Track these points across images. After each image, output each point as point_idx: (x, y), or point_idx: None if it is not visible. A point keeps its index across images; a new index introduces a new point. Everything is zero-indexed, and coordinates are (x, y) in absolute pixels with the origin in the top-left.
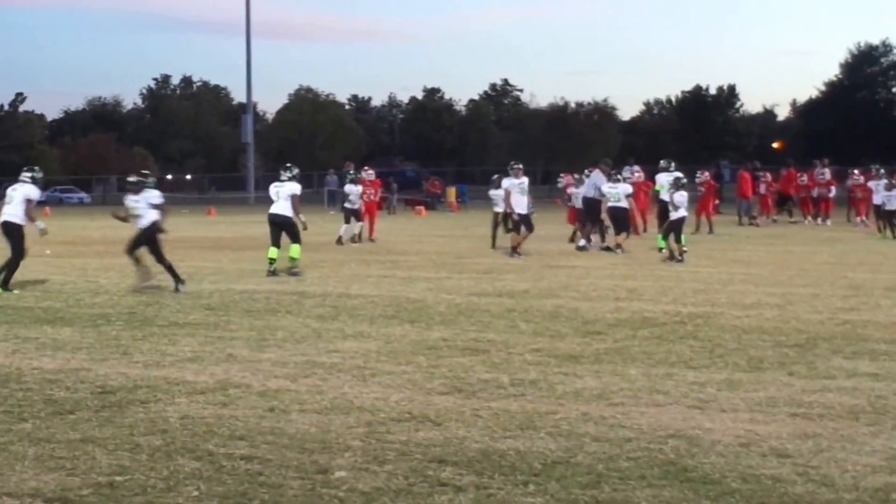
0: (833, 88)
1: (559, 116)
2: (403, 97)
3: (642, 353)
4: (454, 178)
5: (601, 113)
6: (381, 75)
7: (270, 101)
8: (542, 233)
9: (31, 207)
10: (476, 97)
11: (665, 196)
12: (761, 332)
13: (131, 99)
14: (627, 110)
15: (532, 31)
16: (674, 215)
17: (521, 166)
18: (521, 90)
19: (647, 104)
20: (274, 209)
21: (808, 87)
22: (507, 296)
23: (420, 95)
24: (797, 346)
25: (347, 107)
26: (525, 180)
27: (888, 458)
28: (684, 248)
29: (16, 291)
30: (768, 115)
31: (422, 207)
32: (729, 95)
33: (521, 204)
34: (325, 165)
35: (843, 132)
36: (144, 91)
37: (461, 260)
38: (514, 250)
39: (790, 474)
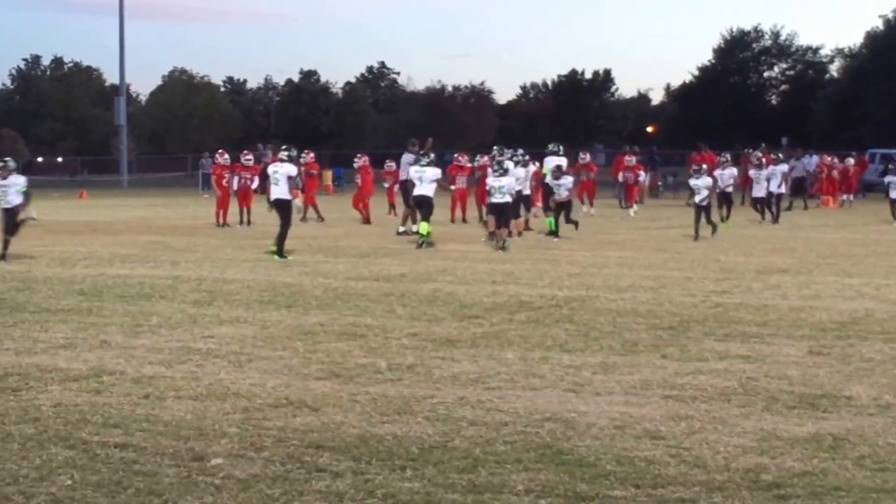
0: (706, 73)
1: (436, 100)
2: (279, 80)
3: (519, 337)
4: (330, 161)
5: (478, 96)
6: (257, 57)
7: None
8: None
9: None
10: (353, 80)
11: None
12: (636, 315)
13: (0, 80)
14: (504, 94)
15: (409, 14)
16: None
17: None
18: (397, 73)
19: (523, 88)
20: (275, 194)
21: (683, 71)
22: (384, 280)
23: (296, 78)
24: (671, 328)
25: (223, 89)
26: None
27: (759, 440)
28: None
29: None
30: (643, 99)
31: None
32: (604, 79)
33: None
34: (200, 148)
35: (717, 116)
36: (14, 72)
37: (337, 244)
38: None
39: (663, 456)
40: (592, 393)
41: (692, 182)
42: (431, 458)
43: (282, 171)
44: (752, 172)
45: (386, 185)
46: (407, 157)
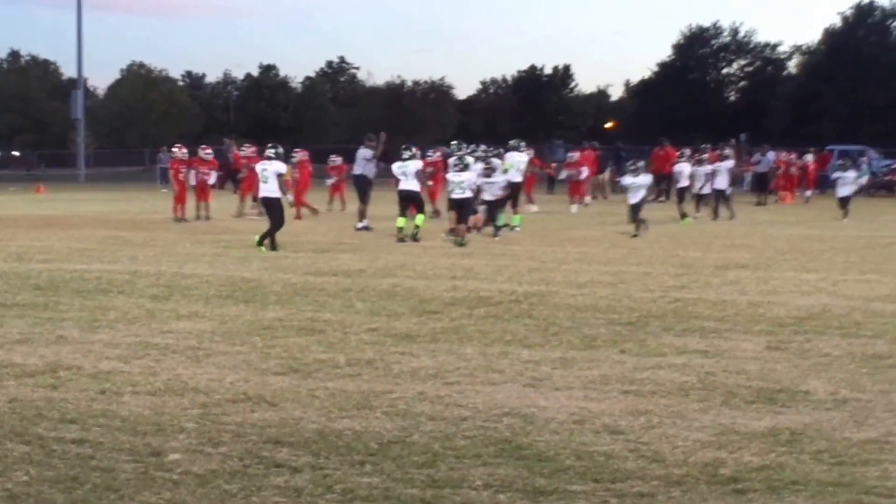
0: (665, 69)
1: (396, 95)
2: (238, 74)
3: (478, 332)
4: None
5: (438, 92)
6: (216, 52)
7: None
8: (377, 212)
9: None
10: (312, 75)
11: (514, 176)
12: (595, 310)
13: None
14: (464, 89)
15: (369, 9)
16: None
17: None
18: (357, 68)
19: (483, 83)
20: (264, 192)
21: (642, 67)
22: (343, 275)
23: (255, 72)
24: (629, 324)
25: (181, 83)
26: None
27: (717, 434)
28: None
29: None
30: (602, 95)
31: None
32: (564, 75)
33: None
34: (158, 143)
35: (676, 112)
36: None
37: (297, 239)
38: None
39: (622, 450)
40: (551, 388)
41: (628, 180)
42: (390, 454)
43: (270, 169)
44: (697, 168)
45: (330, 181)
46: (363, 153)
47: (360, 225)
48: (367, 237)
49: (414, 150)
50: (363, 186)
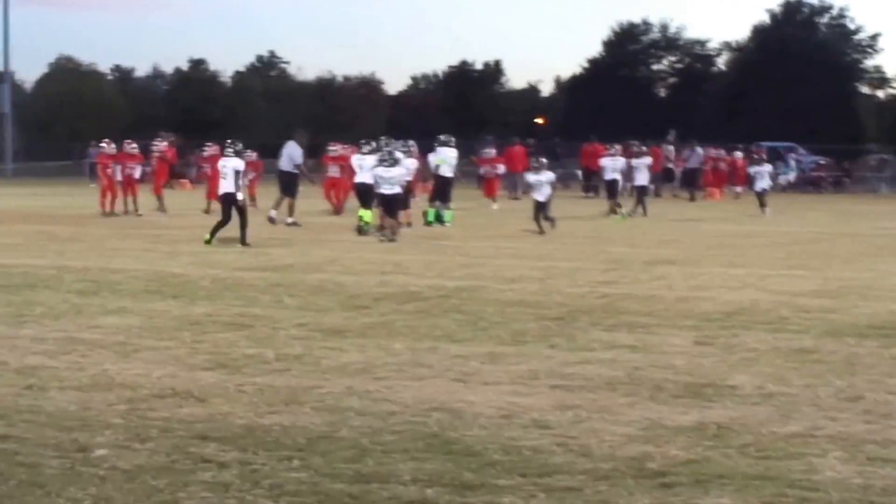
0: (596, 65)
1: (326, 90)
2: (168, 68)
3: (407, 327)
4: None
5: (368, 86)
6: (145, 45)
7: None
8: (306, 207)
9: None
10: (242, 69)
11: (445, 171)
12: (524, 305)
13: None
14: (394, 84)
15: (299, 3)
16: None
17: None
18: (287, 62)
19: (414, 79)
20: (223, 188)
21: (572, 63)
22: (272, 270)
23: (185, 67)
24: (558, 319)
25: (110, 77)
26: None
27: (644, 428)
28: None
29: None
30: (532, 90)
31: (187, 181)
32: (495, 71)
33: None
34: (87, 137)
35: (606, 108)
36: None
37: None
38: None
39: (550, 445)
40: (480, 383)
41: (532, 178)
42: (318, 449)
43: (229, 166)
44: (605, 161)
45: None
46: (292, 148)
47: (289, 220)
48: (296, 233)
49: (373, 145)
50: (291, 181)
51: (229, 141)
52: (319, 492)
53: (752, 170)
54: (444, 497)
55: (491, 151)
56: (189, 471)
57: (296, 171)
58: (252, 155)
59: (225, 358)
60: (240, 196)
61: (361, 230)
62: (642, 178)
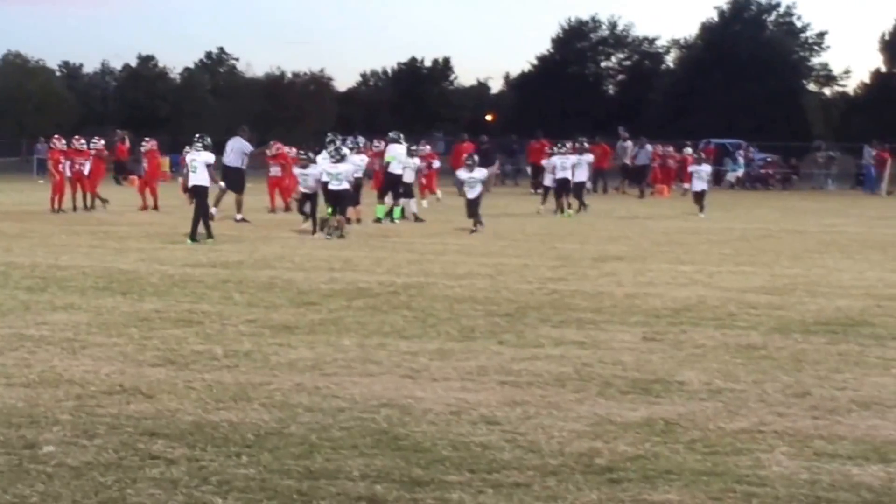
0: (545, 62)
1: (275, 86)
2: (117, 64)
3: (356, 324)
4: (169, 147)
5: (317, 83)
6: (94, 41)
7: None
8: (255, 203)
9: None
10: (191, 65)
11: (395, 168)
12: (473, 301)
13: None
14: (344, 81)
15: None
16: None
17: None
18: (237, 59)
19: (363, 75)
20: (194, 181)
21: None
22: (221, 266)
23: (134, 63)
24: (507, 315)
25: (58, 73)
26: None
27: (592, 424)
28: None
29: None
30: (482, 87)
31: (135, 178)
32: (444, 68)
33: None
34: (35, 133)
35: (556, 106)
36: None
37: (175, 231)
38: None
39: (499, 441)
40: (429, 379)
41: (463, 175)
42: (267, 445)
43: (199, 160)
44: (550, 160)
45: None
46: (240, 144)
47: (238, 216)
48: (245, 229)
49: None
50: (238, 178)
51: (198, 136)
52: (268, 488)
53: (692, 169)
54: (393, 493)
55: (426, 148)
56: (137, 467)
57: (242, 166)
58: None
59: (173, 354)
60: (222, 184)
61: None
62: (581, 175)
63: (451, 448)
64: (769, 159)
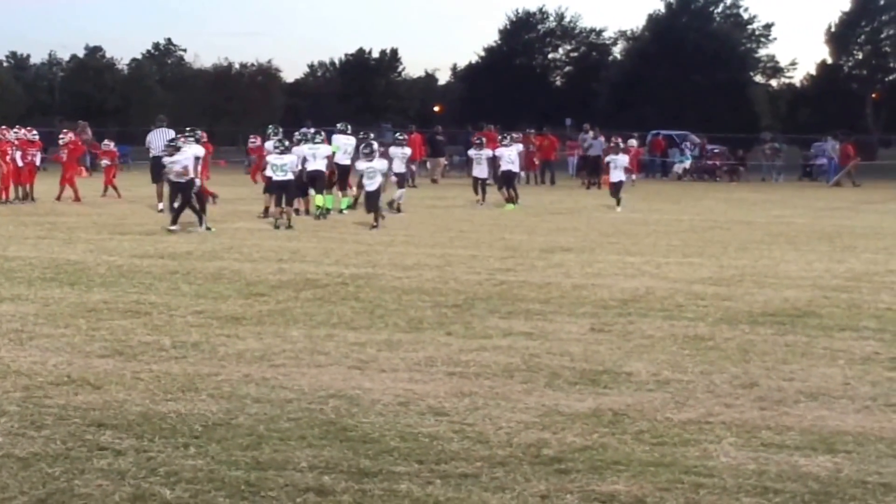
0: (492, 54)
1: (223, 77)
2: (64, 55)
3: (304, 315)
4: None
5: (265, 74)
6: (41, 32)
7: None
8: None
9: None
10: (139, 56)
11: (343, 159)
12: (421, 292)
13: None
14: (292, 72)
15: None
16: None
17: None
18: (184, 50)
19: (311, 66)
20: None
21: (469, 52)
22: (169, 258)
23: (81, 54)
24: (455, 306)
25: (6, 64)
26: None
27: (540, 415)
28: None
29: None
30: (430, 79)
31: (82, 168)
32: (392, 59)
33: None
34: None
35: (503, 97)
36: None
37: (123, 222)
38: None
39: (447, 432)
40: (377, 370)
41: (362, 165)
42: (215, 436)
43: (189, 152)
44: (471, 152)
45: (105, 163)
46: (161, 135)
47: (160, 206)
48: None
49: (323, 135)
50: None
51: (188, 129)
52: (216, 479)
53: (609, 159)
54: (342, 484)
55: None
56: (85, 458)
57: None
58: (110, 144)
59: (121, 345)
60: (197, 181)
61: (318, 216)
62: (514, 166)
63: (400, 439)
64: (716, 150)
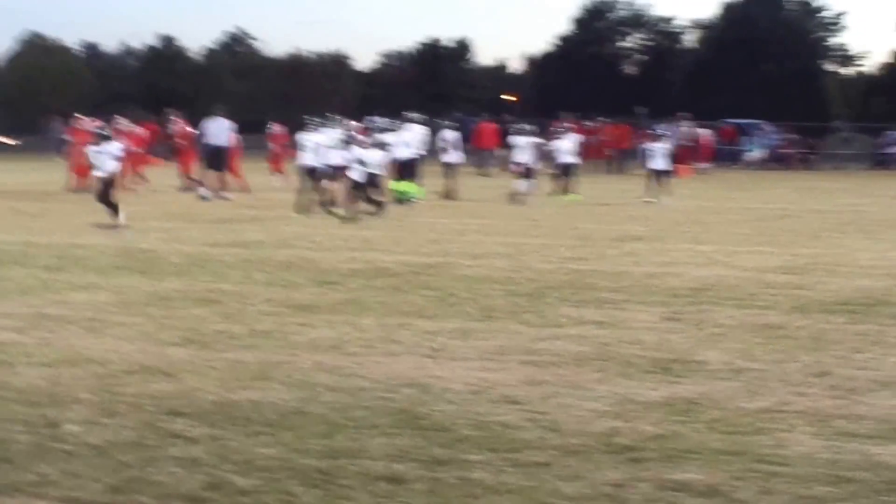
0: (565, 43)
1: (294, 66)
2: (135, 44)
3: (376, 303)
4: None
5: (336, 63)
6: (113, 22)
7: None
8: (261, 183)
9: None
10: (212, 45)
11: (412, 149)
12: (492, 281)
13: None
14: (363, 61)
15: None
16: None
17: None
18: (256, 39)
19: (382, 55)
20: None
21: (541, 41)
22: (241, 246)
23: (152, 43)
24: (527, 295)
25: (78, 53)
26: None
27: (612, 404)
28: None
29: None
30: (500, 68)
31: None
32: (462, 48)
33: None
34: (51, 113)
35: (574, 86)
36: None
37: (192, 210)
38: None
39: (520, 420)
40: (450, 358)
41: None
42: (288, 424)
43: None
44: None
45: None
46: (224, 123)
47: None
48: (265, 209)
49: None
50: (222, 156)
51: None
52: (290, 467)
53: (644, 146)
54: (415, 472)
55: (274, 127)
56: (158, 446)
57: (225, 145)
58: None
59: (194, 334)
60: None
61: (401, 201)
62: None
63: (472, 427)
64: (788, 139)
